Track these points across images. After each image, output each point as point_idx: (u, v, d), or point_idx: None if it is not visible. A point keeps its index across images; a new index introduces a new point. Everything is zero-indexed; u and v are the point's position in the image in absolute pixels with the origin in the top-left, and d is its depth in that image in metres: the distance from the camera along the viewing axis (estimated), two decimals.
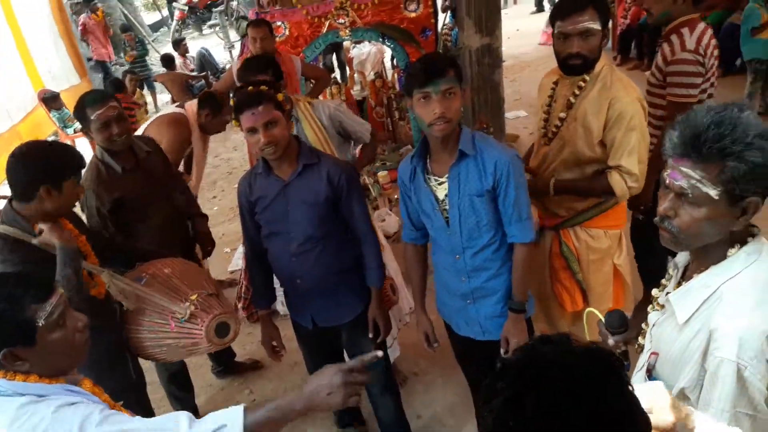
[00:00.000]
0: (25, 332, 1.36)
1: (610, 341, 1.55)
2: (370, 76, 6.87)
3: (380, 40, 5.24)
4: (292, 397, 1.48)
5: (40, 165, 2.07)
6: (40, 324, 1.37)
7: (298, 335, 2.69)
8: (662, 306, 1.40)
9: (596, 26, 2.24)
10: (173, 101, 7.92)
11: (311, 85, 4.90)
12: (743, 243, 1.25)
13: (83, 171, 2.16)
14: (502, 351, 2.25)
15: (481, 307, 2.30)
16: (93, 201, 2.66)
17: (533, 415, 0.76)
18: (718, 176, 1.17)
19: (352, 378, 1.48)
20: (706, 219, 1.22)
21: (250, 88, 2.15)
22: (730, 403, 1.17)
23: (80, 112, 2.59)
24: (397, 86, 6.43)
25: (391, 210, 5.25)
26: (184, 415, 1.42)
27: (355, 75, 7.55)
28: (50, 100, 8.35)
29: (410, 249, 2.44)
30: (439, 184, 2.15)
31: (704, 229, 1.24)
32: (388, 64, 8.57)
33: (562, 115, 2.44)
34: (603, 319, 1.59)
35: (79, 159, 2.19)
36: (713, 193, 1.18)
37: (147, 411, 2.59)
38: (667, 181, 1.25)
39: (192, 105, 3.69)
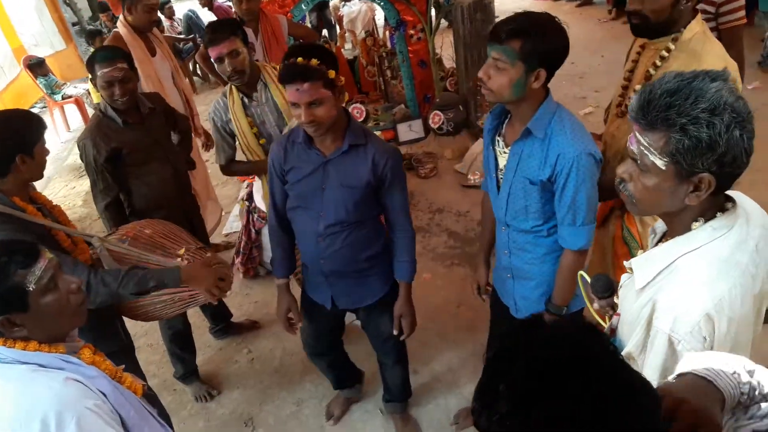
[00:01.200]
0: (17, 298, 1.37)
1: (595, 305, 1.56)
2: (361, 34, 6.76)
3: None
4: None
5: (10, 136, 2.03)
6: (31, 289, 1.38)
7: (305, 306, 2.56)
8: (631, 269, 1.40)
9: None
10: None
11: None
12: (713, 216, 1.22)
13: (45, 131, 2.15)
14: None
15: (518, 286, 2.24)
16: (91, 150, 2.68)
17: (557, 410, 0.71)
18: (664, 147, 1.14)
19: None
20: (655, 189, 1.19)
21: (300, 59, 1.94)
22: (659, 372, 1.21)
23: (90, 65, 2.66)
24: (388, 44, 6.34)
25: None
26: None
27: (346, 34, 7.43)
28: (36, 67, 8.18)
29: (485, 198, 2.35)
30: (503, 152, 2.05)
31: (654, 198, 1.21)
32: (380, 22, 8.43)
33: (638, 87, 2.12)
34: (590, 283, 1.58)
35: (39, 121, 2.15)
36: (660, 163, 1.15)
37: (137, 372, 2.61)
38: (627, 144, 1.24)
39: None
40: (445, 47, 6.48)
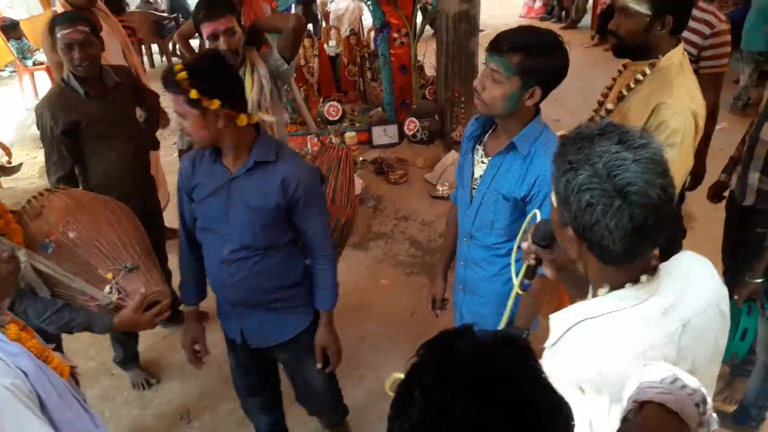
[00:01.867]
0: None
1: (524, 244, 1.48)
2: (345, 33, 6.69)
3: None
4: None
5: None
6: None
7: (227, 342, 2.35)
8: None
9: (637, 7, 1.97)
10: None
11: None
12: (621, 285, 1.16)
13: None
14: None
15: (468, 300, 2.20)
16: (48, 120, 2.60)
17: (462, 422, 0.70)
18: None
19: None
20: None
21: (177, 67, 1.83)
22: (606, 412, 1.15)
23: (51, 28, 2.57)
24: (372, 45, 6.29)
25: (355, 173, 5.17)
26: None
27: (331, 31, 7.35)
28: (9, 29, 7.93)
29: (452, 209, 2.29)
30: (482, 162, 2.01)
31: None
32: (367, 23, 8.38)
33: (610, 106, 2.19)
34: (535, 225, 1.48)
35: None
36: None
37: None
38: None
39: None
40: (428, 55, 6.46)
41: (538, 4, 10.79)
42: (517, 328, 2.05)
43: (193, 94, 1.77)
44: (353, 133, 5.47)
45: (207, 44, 2.59)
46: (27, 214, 2.09)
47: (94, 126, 2.64)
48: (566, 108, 6.55)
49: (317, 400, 2.41)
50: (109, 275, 1.99)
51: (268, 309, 2.13)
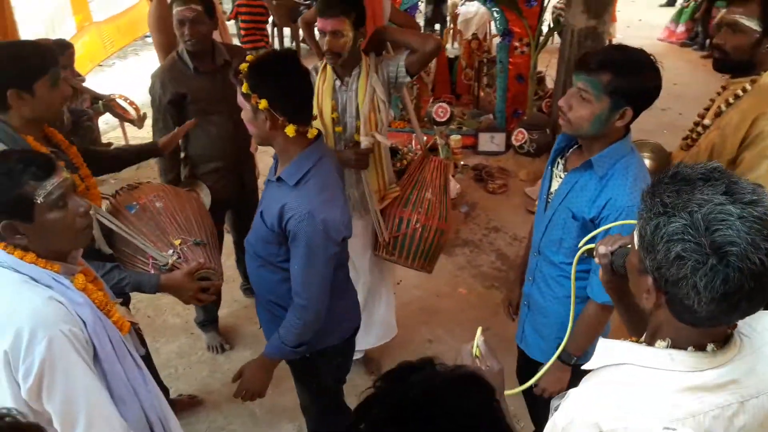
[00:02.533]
0: (23, 207, 1.40)
1: (602, 248, 1.31)
2: (468, 36, 6.64)
3: (483, 0, 5.03)
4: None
5: (3, 68, 1.89)
6: (39, 201, 1.41)
7: None
8: None
9: (749, 23, 1.95)
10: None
11: None
12: (682, 346, 1.05)
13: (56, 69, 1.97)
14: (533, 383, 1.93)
15: (530, 317, 2.14)
16: (157, 89, 2.78)
17: None
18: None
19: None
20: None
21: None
22: None
23: (170, 4, 2.73)
24: (492, 51, 6.21)
25: (453, 176, 5.14)
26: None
27: (452, 32, 7.32)
28: None
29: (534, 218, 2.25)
30: (559, 176, 1.95)
31: None
32: (495, 30, 8.27)
33: (707, 122, 2.17)
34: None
35: (47, 58, 1.96)
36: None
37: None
38: None
39: None
40: (552, 67, 6.29)
41: (680, 29, 10.14)
42: (567, 353, 1.95)
43: (245, 87, 1.78)
44: (458, 137, 5.42)
45: (318, 37, 2.62)
46: (125, 188, 2.35)
47: (198, 100, 2.78)
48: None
49: (304, 413, 2.46)
50: (177, 242, 2.11)
51: (267, 310, 2.13)
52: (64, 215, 1.46)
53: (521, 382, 2.44)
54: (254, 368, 2.10)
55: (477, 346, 1.26)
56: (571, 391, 1.14)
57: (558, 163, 1.99)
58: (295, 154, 1.87)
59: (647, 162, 3.75)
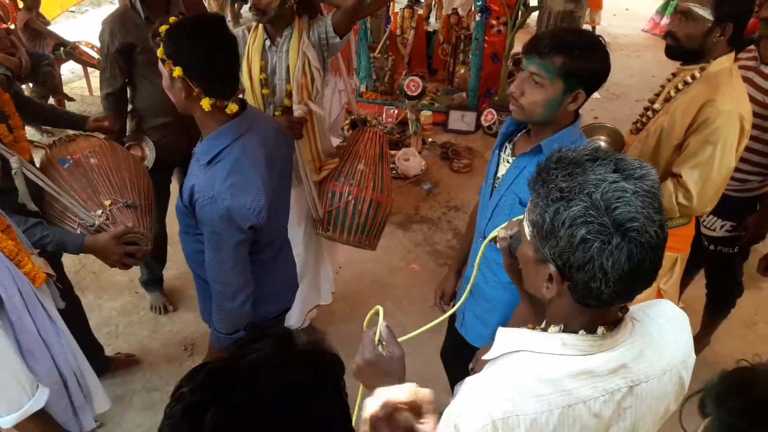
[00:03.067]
0: None
1: (503, 232, 1.30)
2: (447, 10, 6.53)
3: None
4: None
5: None
6: None
7: None
8: None
9: (701, 12, 2.03)
10: None
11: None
12: (574, 330, 1.04)
13: None
14: (470, 365, 1.99)
15: (472, 303, 2.10)
16: (107, 36, 2.67)
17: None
18: (528, 215, 1.05)
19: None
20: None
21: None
22: None
23: None
24: (471, 28, 6.12)
25: (420, 152, 5.09)
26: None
27: (433, 5, 7.17)
28: None
29: (476, 204, 2.20)
30: (507, 161, 1.90)
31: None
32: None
33: (657, 106, 2.23)
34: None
35: None
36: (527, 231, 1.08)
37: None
38: None
39: None
40: None
41: (665, 21, 10.12)
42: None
43: (160, 52, 1.67)
44: (429, 113, 5.37)
45: None
46: (62, 140, 2.23)
47: (148, 51, 2.66)
48: None
49: None
50: (108, 202, 2.03)
51: (196, 276, 2.01)
52: None
53: (446, 364, 2.46)
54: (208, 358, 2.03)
55: (379, 332, 1.23)
56: (467, 378, 1.12)
57: (506, 147, 1.95)
58: (213, 129, 1.72)
59: (603, 145, 3.76)
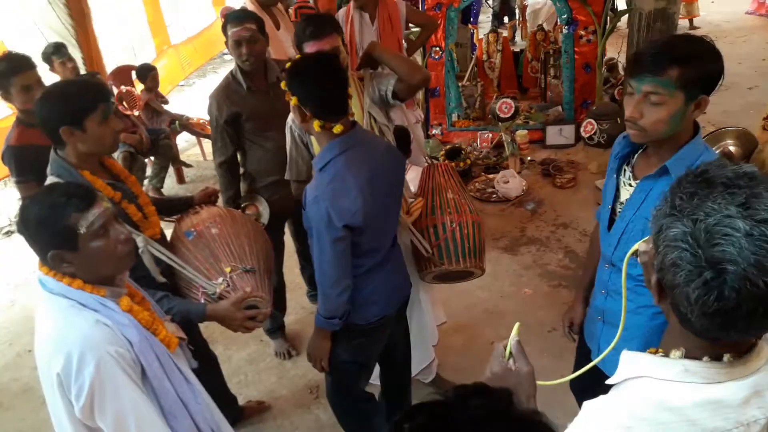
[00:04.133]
0: (68, 238, 1.51)
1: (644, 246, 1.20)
2: (533, 27, 6.47)
3: None
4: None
5: (56, 107, 1.98)
6: (82, 231, 1.51)
7: None
8: None
9: None
10: None
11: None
12: (697, 356, 0.98)
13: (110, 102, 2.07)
14: None
15: (606, 332, 2.02)
16: (214, 109, 2.88)
17: None
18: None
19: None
20: None
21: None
22: None
23: (224, 27, 2.81)
24: (559, 42, 6.02)
25: (519, 173, 5.03)
26: None
27: (519, 25, 7.14)
28: None
29: (595, 228, 2.15)
30: (629, 185, 1.85)
31: None
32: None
33: None
34: None
35: (96, 94, 2.04)
36: None
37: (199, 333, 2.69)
38: None
39: None
40: (623, 52, 6.03)
41: None
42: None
43: (283, 84, 2.01)
44: (524, 132, 5.30)
45: None
46: (188, 212, 2.45)
47: (253, 118, 2.86)
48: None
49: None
50: (228, 269, 2.17)
51: None
52: (106, 243, 1.56)
53: (577, 395, 2.35)
54: (312, 338, 2.30)
55: (510, 345, 1.24)
56: (585, 403, 1.10)
57: (624, 170, 1.88)
58: (324, 145, 2.04)
59: (733, 149, 3.49)
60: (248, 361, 3.51)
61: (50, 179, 2.00)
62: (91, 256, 1.54)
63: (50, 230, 1.50)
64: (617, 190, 1.89)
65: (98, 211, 1.54)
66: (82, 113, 1.97)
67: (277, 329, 3.51)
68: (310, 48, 2.38)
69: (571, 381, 2.32)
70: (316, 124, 1.98)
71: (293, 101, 1.98)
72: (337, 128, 1.98)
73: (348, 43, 3.81)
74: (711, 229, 0.86)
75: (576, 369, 2.34)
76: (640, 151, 1.85)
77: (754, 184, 0.89)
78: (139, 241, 2.06)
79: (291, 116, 2.45)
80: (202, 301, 2.14)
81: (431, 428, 0.73)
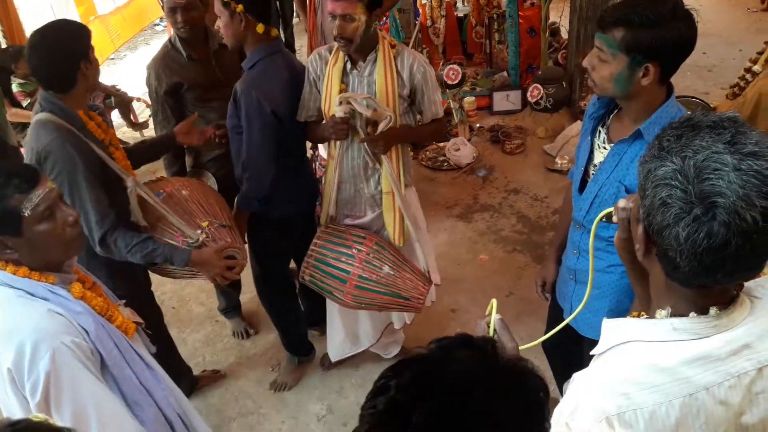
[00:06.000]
0: (10, 221, 1.39)
1: (622, 202, 1.19)
2: None
3: None
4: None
5: (71, 44, 2.02)
6: (26, 214, 1.39)
7: None
8: None
9: None
10: None
11: None
12: (684, 312, 0.99)
13: None
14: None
15: (579, 291, 2.03)
16: (153, 80, 2.73)
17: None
18: None
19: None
20: None
21: None
22: None
23: None
24: (502, 6, 5.99)
25: (469, 140, 5.02)
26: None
27: None
28: None
29: (571, 187, 2.10)
30: (603, 147, 1.84)
31: None
32: None
33: (757, 68, 2.06)
34: None
35: (85, 27, 2.16)
36: None
37: (154, 308, 2.68)
38: None
39: None
40: (565, 16, 6.06)
41: None
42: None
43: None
44: (472, 98, 5.29)
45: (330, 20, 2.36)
46: (152, 180, 2.50)
47: (195, 88, 2.72)
48: (720, 80, 5.88)
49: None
50: (205, 223, 2.28)
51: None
52: (53, 226, 1.45)
53: (550, 356, 2.39)
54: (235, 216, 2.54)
55: (493, 324, 1.21)
56: (575, 374, 1.09)
57: (599, 132, 1.87)
58: (255, 47, 2.35)
59: None
60: (204, 343, 3.41)
61: (42, 115, 2.01)
62: (37, 241, 1.43)
63: None
64: (591, 152, 1.89)
65: (42, 192, 1.42)
66: (88, 46, 2.07)
67: (232, 309, 3.42)
68: (328, 5, 2.25)
69: (545, 344, 2.36)
70: (260, 27, 2.30)
71: (239, 8, 2.23)
72: (274, 32, 2.38)
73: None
74: (700, 164, 0.86)
75: (549, 327, 2.39)
76: (614, 113, 1.84)
77: (738, 125, 0.90)
78: (129, 182, 2.15)
79: (311, 56, 2.50)
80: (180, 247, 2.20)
81: (420, 383, 0.73)
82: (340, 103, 2.29)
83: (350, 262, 2.45)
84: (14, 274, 1.42)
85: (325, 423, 2.86)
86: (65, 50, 2.01)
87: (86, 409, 1.43)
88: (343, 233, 2.53)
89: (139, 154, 2.51)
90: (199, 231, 2.24)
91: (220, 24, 2.29)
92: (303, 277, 2.56)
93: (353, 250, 2.46)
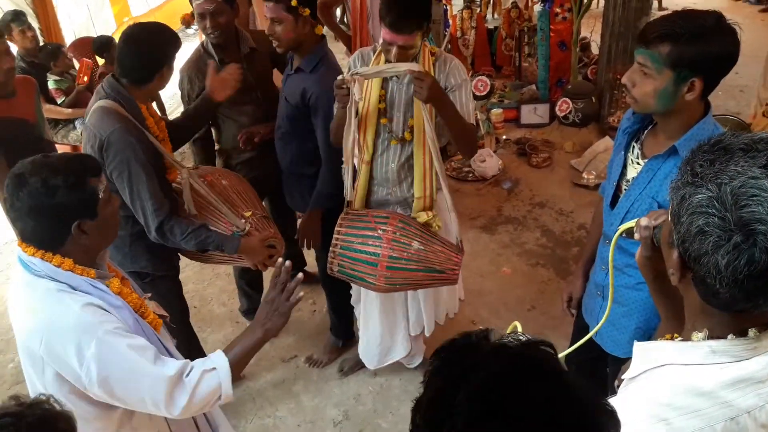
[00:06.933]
0: (91, 204, 1.42)
1: (644, 221, 1.21)
2: (506, 4, 6.42)
3: None
4: (249, 332, 1.71)
5: (163, 47, 2.18)
6: (101, 196, 1.43)
7: None
8: None
9: None
10: None
11: None
12: (722, 335, 0.97)
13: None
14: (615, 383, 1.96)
15: (606, 306, 2.06)
16: (185, 84, 2.77)
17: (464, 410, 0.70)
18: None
19: (276, 305, 1.74)
20: None
21: None
22: None
23: None
24: (534, 20, 5.98)
25: (495, 152, 5.01)
26: (177, 365, 1.48)
27: (491, 2, 7.07)
28: None
29: (601, 202, 2.09)
30: (636, 162, 1.82)
31: None
32: None
33: None
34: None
35: (178, 36, 2.31)
36: None
37: (179, 298, 2.69)
38: None
39: None
40: (596, 32, 6.03)
41: None
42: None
43: (294, 1, 2.31)
44: (500, 110, 5.27)
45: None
46: (193, 168, 2.57)
47: None
48: (752, 101, 5.77)
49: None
50: (248, 213, 2.39)
51: (292, 184, 2.88)
52: (113, 209, 1.50)
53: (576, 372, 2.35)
54: (305, 221, 2.70)
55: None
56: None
57: (633, 147, 1.85)
58: (313, 49, 2.49)
59: None
60: (224, 343, 3.32)
61: (107, 102, 2.13)
62: (105, 224, 1.48)
63: (77, 198, 1.39)
64: (624, 167, 1.86)
65: (103, 176, 1.47)
66: (174, 56, 2.24)
67: (254, 311, 3.37)
68: (384, 34, 2.19)
69: (567, 356, 2.33)
70: (319, 29, 2.47)
71: (306, 12, 2.38)
72: (320, 29, 2.54)
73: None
74: (737, 191, 0.84)
75: (573, 343, 2.35)
76: (649, 128, 1.82)
77: None
78: (183, 172, 2.29)
79: (354, 56, 2.50)
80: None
81: (464, 354, 0.76)
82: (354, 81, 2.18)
83: (378, 243, 2.32)
84: (60, 266, 1.42)
85: (342, 429, 2.85)
86: (157, 48, 2.17)
87: (140, 392, 1.44)
88: (365, 216, 2.43)
89: (185, 127, 2.61)
90: (243, 220, 2.35)
91: (277, 29, 2.37)
92: (331, 268, 2.43)
93: (378, 231, 2.34)
